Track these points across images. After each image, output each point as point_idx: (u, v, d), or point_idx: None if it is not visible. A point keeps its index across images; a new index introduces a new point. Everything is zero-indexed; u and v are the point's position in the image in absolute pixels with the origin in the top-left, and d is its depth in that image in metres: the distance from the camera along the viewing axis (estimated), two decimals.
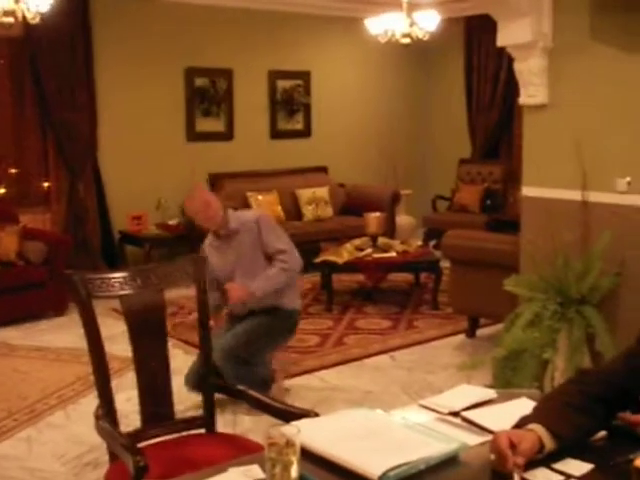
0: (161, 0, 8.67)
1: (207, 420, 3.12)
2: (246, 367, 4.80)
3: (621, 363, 2.17)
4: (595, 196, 4.80)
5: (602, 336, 4.49)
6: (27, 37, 7.87)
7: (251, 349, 4.87)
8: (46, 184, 8.39)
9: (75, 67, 8.21)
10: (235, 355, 4.74)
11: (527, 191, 5.27)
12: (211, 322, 4.19)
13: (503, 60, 9.86)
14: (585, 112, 4.89)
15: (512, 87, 9.38)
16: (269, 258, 4.84)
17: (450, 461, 1.97)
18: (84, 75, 8.29)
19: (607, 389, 2.09)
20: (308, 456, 1.92)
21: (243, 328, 4.88)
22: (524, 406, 2.19)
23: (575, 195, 4.86)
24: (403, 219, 10.26)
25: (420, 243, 8.27)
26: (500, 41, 5.21)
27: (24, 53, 8.03)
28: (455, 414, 2.26)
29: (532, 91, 5.09)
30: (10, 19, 6.08)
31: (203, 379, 3.17)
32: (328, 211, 9.71)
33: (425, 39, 8.32)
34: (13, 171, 8.24)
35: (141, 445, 2.81)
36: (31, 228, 7.51)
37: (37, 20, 6.26)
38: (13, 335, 6.65)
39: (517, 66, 5.18)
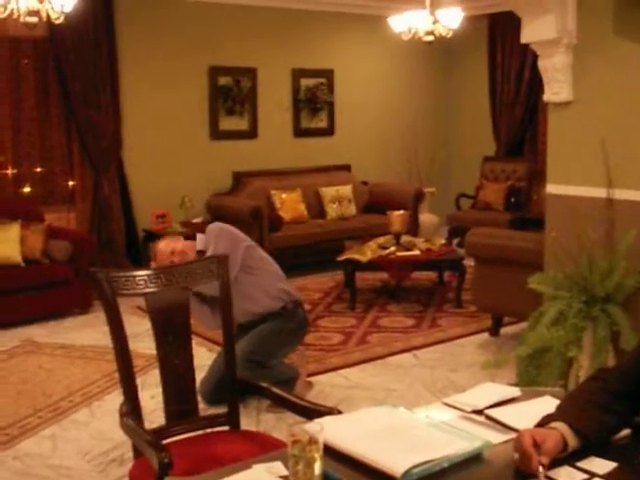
0: None
1: (231, 417, 3.13)
2: (264, 370, 4.82)
3: (638, 355, 2.16)
4: (620, 194, 4.75)
5: (627, 334, 4.46)
6: (51, 37, 7.94)
7: (265, 350, 4.90)
8: (71, 183, 8.44)
9: (99, 66, 8.25)
10: (250, 360, 4.74)
11: (552, 189, 5.23)
12: None
13: (527, 57, 9.83)
14: (610, 109, 4.85)
15: (536, 84, 9.41)
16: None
17: (474, 459, 1.97)
18: (108, 74, 8.34)
19: (627, 383, 2.08)
20: (331, 453, 1.93)
21: (253, 334, 4.92)
22: (548, 404, 2.18)
23: (600, 193, 4.83)
24: (427, 217, 10.24)
25: (444, 241, 8.24)
26: (524, 38, 5.18)
27: (48, 53, 8.08)
28: (479, 412, 2.25)
29: (556, 88, 5.06)
30: (34, 19, 6.12)
31: (227, 380, 3.16)
32: (352, 209, 9.71)
33: (448, 36, 8.29)
34: (38, 170, 8.28)
35: (165, 442, 2.83)
36: (56, 226, 7.57)
37: (61, 20, 6.30)
38: (38, 333, 6.70)
39: (541, 63, 5.14)
